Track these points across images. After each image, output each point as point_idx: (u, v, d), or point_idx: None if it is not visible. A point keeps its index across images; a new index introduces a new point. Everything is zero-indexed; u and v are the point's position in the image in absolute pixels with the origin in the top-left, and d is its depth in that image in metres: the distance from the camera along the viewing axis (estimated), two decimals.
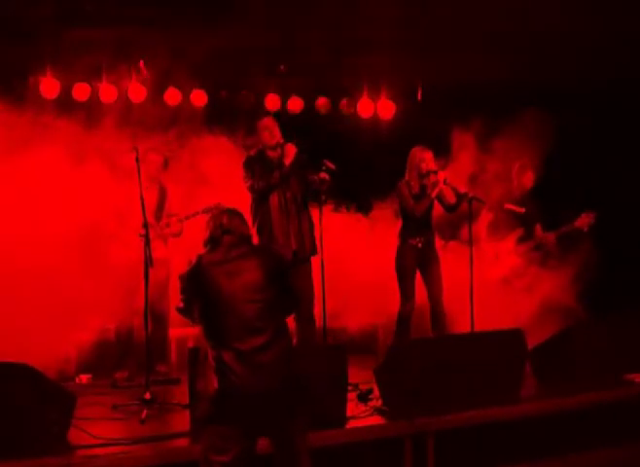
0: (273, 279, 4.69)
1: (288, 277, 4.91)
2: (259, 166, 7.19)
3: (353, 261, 8.41)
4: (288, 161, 7.11)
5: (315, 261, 7.33)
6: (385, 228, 8.32)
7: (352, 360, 6.26)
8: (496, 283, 8.21)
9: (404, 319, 7.68)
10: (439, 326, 7.70)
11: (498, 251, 8.49)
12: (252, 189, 7.19)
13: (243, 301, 4.56)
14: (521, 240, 8.48)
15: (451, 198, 7.76)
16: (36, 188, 7.63)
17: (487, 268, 8.32)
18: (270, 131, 7.22)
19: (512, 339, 6.71)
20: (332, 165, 7.08)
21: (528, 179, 8.57)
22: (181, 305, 4.77)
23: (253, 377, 4.47)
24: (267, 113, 7.54)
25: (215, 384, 4.56)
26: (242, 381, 4.46)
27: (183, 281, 4.75)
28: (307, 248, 7.25)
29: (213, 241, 4.79)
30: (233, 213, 4.92)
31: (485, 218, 8.52)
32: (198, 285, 4.64)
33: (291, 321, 7.29)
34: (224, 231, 4.78)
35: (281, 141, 7.18)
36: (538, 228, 8.55)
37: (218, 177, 8.09)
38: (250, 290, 4.59)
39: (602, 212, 8.33)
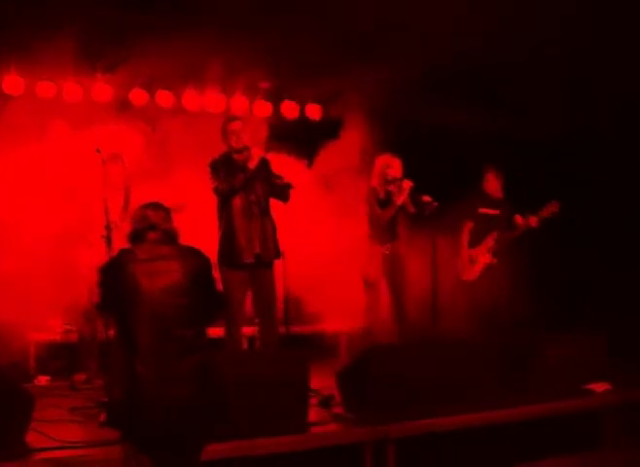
0: (198, 283, 4.44)
1: (213, 281, 4.65)
2: (224, 169, 7.18)
3: (318, 265, 8.42)
4: (252, 164, 7.11)
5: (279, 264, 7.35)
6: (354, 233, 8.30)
7: (315, 366, 6.24)
8: (468, 285, 8.29)
9: (369, 325, 7.70)
10: (402, 332, 7.72)
11: (472, 255, 8.54)
12: (217, 191, 7.18)
13: (162, 304, 4.31)
14: (501, 237, 8.52)
15: (416, 206, 7.80)
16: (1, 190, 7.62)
17: (461, 271, 8.41)
18: (237, 135, 7.23)
19: (474, 346, 6.75)
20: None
21: (497, 188, 8.64)
22: (98, 300, 4.52)
23: (165, 388, 4.24)
24: (234, 117, 7.53)
25: (124, 393, 4.31)
26: (153, 392, 4.22)
27: (101, 275, 4.50)
28: (271, 252, 7.24)
29: (137, 236, 4.53)
30: (158, 207, 4.63)
31: (467, 226, 8.59)
32: (116, 282, 4.36)
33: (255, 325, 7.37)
34: (148, 225, 4.51)
35: (247, 145, 7.18)
36: (518, 219, 8.59)
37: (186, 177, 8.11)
38: (171, 293, 4.34)
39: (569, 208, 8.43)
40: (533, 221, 8.37)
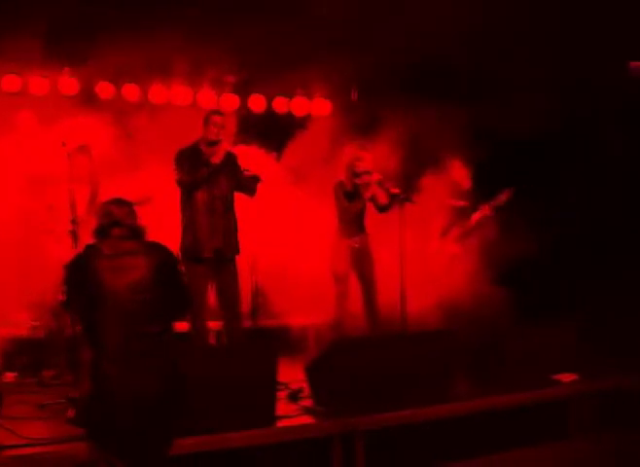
0: (162, 278, 4.44)
1: (179, 276, 4.65)
2: (188, 161, 7.13)
3: (286, 259, 8.42)
4: (217, 159, 7.08)
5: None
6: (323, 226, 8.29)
7: (284, 359, 6.24)
8: (436, 276, 8.33)
9: (339, 319, 7.71)
10: (374, 325, 7.73)
11: (440, 246, 8.57)
12: (180, 183, 7.14)
13: (127, 300, 4.30)
14: (468, 227, 8.55)
15: (384, 199, 7.80)
16: None
17: (429, 262, 8.44)
18: (218, 129, 7.16)
19: (442, 338, 6.76)
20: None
21: (463, 176, 8.66)
22: (63, 297, 4.51)
23: (131, 385, 4.22)
24: (220, 111, 7.47)
25: (90, 391, 4.29)
26: (119, 389, 4.20)
27: (66, 272, 4.49)
28: (232, 247, 7.20)
29: (102, 232, 4.51)
30: (122, 202, 4.62)
31: (435, 218, 8.61)
32: (81, 277, 4.37)
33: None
34: (112, 221, 4.49)
35: (219, 140, 7.13)
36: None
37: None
38: (136, 289, 4.33)
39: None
40: (486, 209, 8.42)
